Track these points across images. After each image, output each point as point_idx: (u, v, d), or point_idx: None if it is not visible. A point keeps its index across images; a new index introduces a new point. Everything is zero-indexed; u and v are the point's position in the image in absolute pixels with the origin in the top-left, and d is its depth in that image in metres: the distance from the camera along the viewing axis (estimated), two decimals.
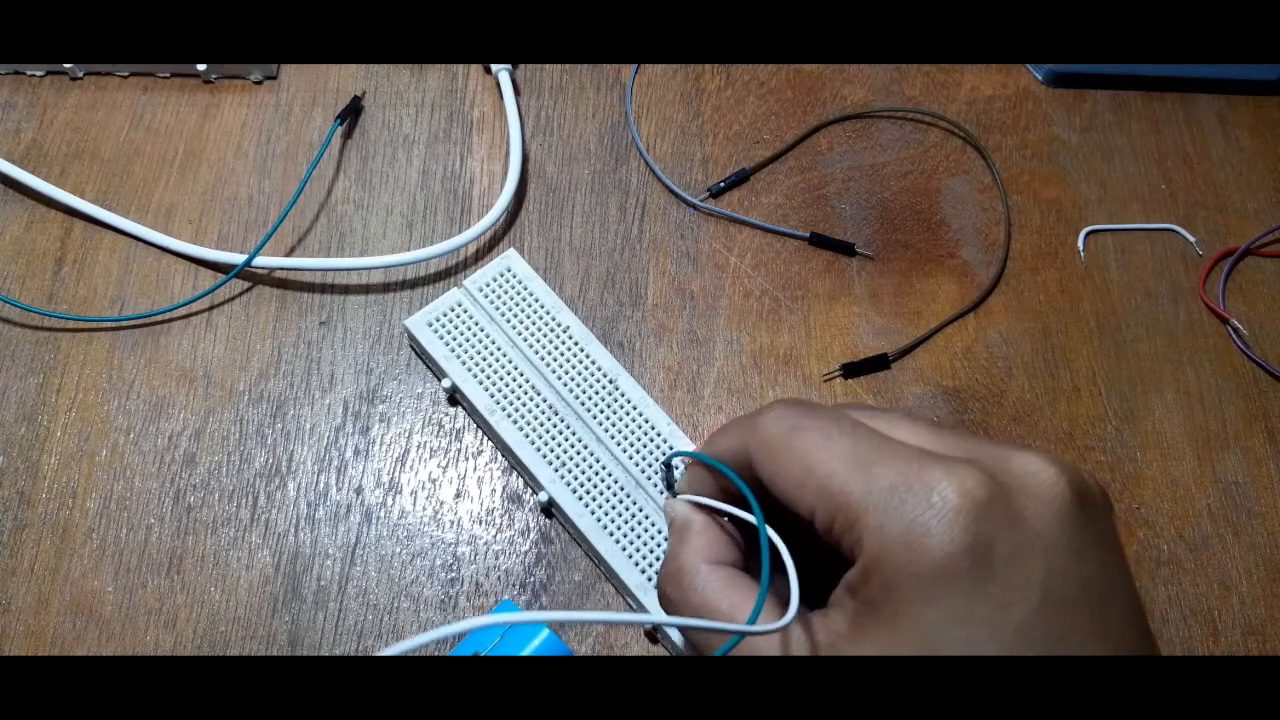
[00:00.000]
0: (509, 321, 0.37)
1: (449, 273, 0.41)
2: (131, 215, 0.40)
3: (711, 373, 0.39)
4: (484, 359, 0.37)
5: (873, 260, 0.42)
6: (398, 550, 0.36)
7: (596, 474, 0.35)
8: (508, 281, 0.38)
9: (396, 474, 0.37)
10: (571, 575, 0.35)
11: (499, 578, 0.35)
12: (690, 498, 0.29)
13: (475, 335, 0.37)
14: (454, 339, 0.37)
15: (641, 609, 0.34)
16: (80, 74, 0.43)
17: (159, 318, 0.39)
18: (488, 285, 0.38)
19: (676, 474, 0.35)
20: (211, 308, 0.39)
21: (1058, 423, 0.39)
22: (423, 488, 0.37)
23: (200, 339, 0.39)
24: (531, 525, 0.36)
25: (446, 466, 0.37)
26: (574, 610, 0.35)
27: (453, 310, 0.37)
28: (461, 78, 0.45)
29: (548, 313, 0.38)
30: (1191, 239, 0.43)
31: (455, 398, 0.37)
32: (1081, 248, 0.43)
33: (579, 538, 0.35)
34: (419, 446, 0.37)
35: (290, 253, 0.41)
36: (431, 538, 0.36)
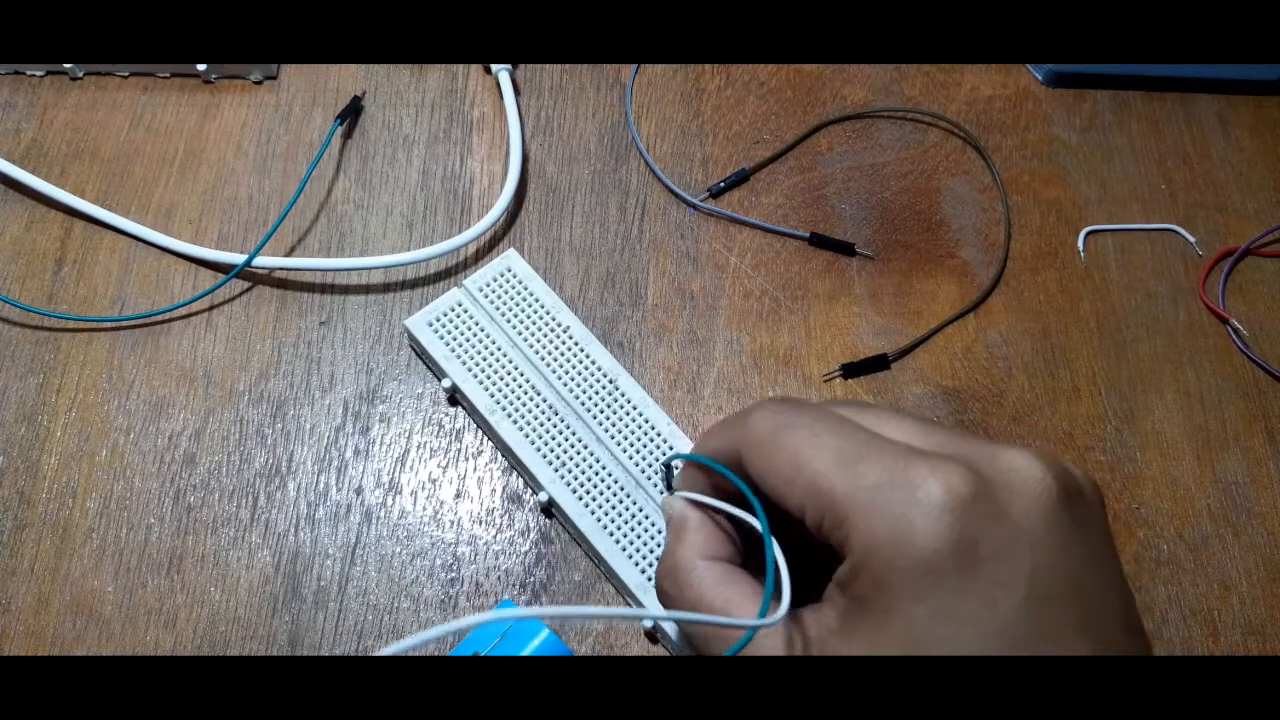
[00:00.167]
0: (509, 321, 0.37)
1: (449, 273, 0.41)
2: (131, 215, 0.40)
3: (711, 373, 0.39)
4: (484, 359, 0.37)
5: (873, 260, 0.42)
6: (398, 550, 0.36)
7: (596, 474, 0.35)
8: (508, 281, 0.38)
9: (396, 474, 0.37)
10: (571, 575, 0.35)
11: (499, 578, 0.35)
12: (687, 495, 0.29)
13: (475, 335, 0.37)
14: (454, 339, 0.37)
15: (640, 617, 0.34)
16: (80, 74, 0.43)
17: (159, 318, 0.39)
18: (488, 285, 0.38)
19: (676, 475, 0.35)
20: (211, 308, 0.39)
21: (1058, 423, 0.39)
22: (423, 488, 0.37)
23: (200, 339, 0.39)
24: (531, 525, 0.36)
25: (446, 466, 0.37)
26: (574, 605, 0.35)
27: (453, 310, 0.37)
28: (461, 78, 0.45)
29: (548, 313, 0.38)
30: (1191, 239, 0.43)
31: (455, 398, 0.37)
32: (1081, 248, 0.43)
33: (579, 538, 0.35)
34: (419, 446, 0.37)
35: (290, 253, 0.41)
36: (431, 538, 0.36)
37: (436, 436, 0.37)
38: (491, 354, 0.37)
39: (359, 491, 0.36)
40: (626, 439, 0.36)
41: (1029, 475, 0.23)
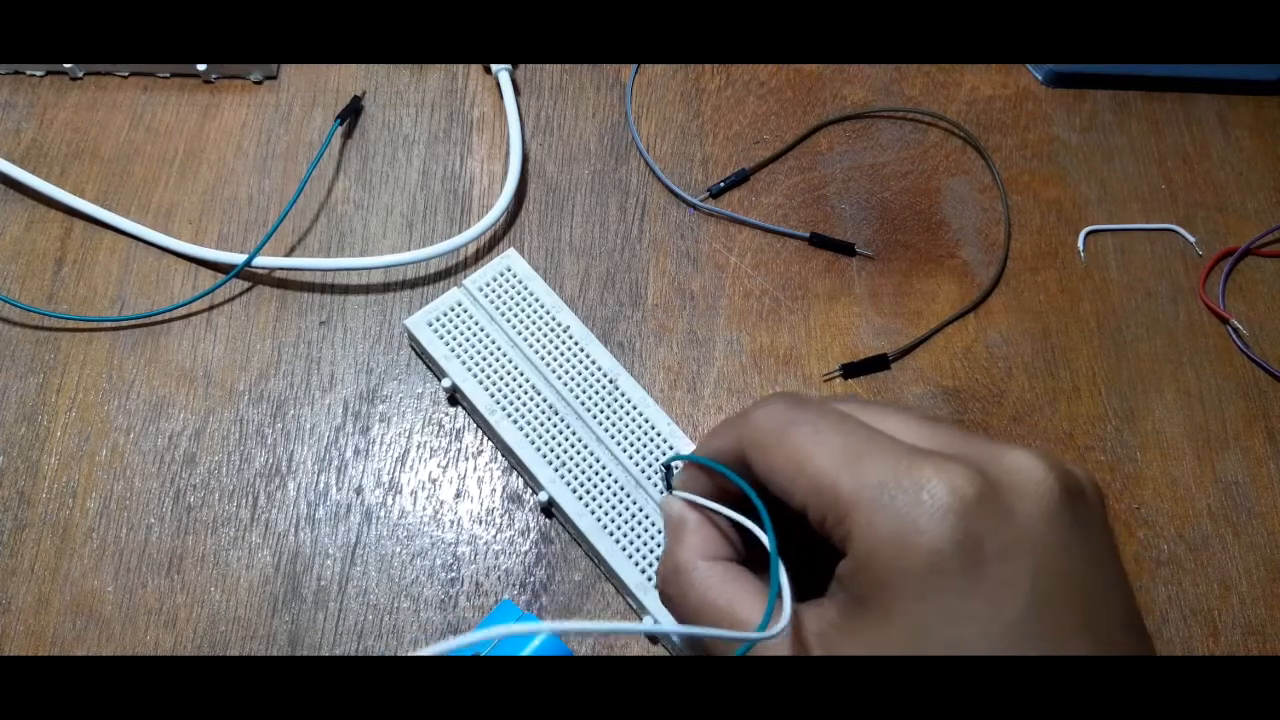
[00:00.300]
0: (509, 321, 0.37)
1: (449, 273, 0.41)
2: (131, 215, 0.40)
3: (711, 373, 0.39)
4: (484, 359, 0.37)
5: (873, 260, 0.42)
6: (398, 550, 0.36)
7: (596, 474, 0.35)
8: (508, 281, 0.38)
9: (396, 474, 0.37)
10: (571, 575, 0.35)
11: (499, 577, 0.35)
12: (685, 495, 0.29)
13: (475, 335, 0.37)
14: (454, 339, 0.37)
15: (641, 608, 0.34)
16: (80, 74, 0.43)
17: (159, 318, 0.39)
18: (488, 285, 0.38)
19: (675, 475, 0.35)
20: (211, 308, 0.39)
21: (1058, 423, 0.39)
22: (423, 488, 0.37)
23: (200, 339, 0.39)
24: (531, 525, 0.36)
25: (446, 466, 0.37)
26: (591, 620, 0.35)
27: (453, 310, 0.37)
28: (461, 78, 0.45)
29: (548, 312, 0.38)
30: (1191, 239, 0.43)
31: (455, 397, 0.37)
32: (1081, 248, 0.43)
33: (579, 537, 0.35)
34: (419, 446, 0.37)
35: (290, 253, 0.41)
36: (431, 538, 0.36)
37: (436, 436, 0.37)
38: (491, 354, 0.37)
39: (359, 491, 0.36)
40: (626, 439, 0.36)
41: (1032, 476, 0.23)
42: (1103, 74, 0.46)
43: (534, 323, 0.37)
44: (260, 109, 0.43)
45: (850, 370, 0.39)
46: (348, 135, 0.43)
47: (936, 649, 0.22)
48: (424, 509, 0.36)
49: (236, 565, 0.35)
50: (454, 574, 0.35)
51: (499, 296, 0.38)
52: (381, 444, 0.37)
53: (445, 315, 0.37)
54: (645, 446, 0.36)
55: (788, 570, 0.25)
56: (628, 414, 0.36)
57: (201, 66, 0.43)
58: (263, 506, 0.36)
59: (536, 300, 0.38)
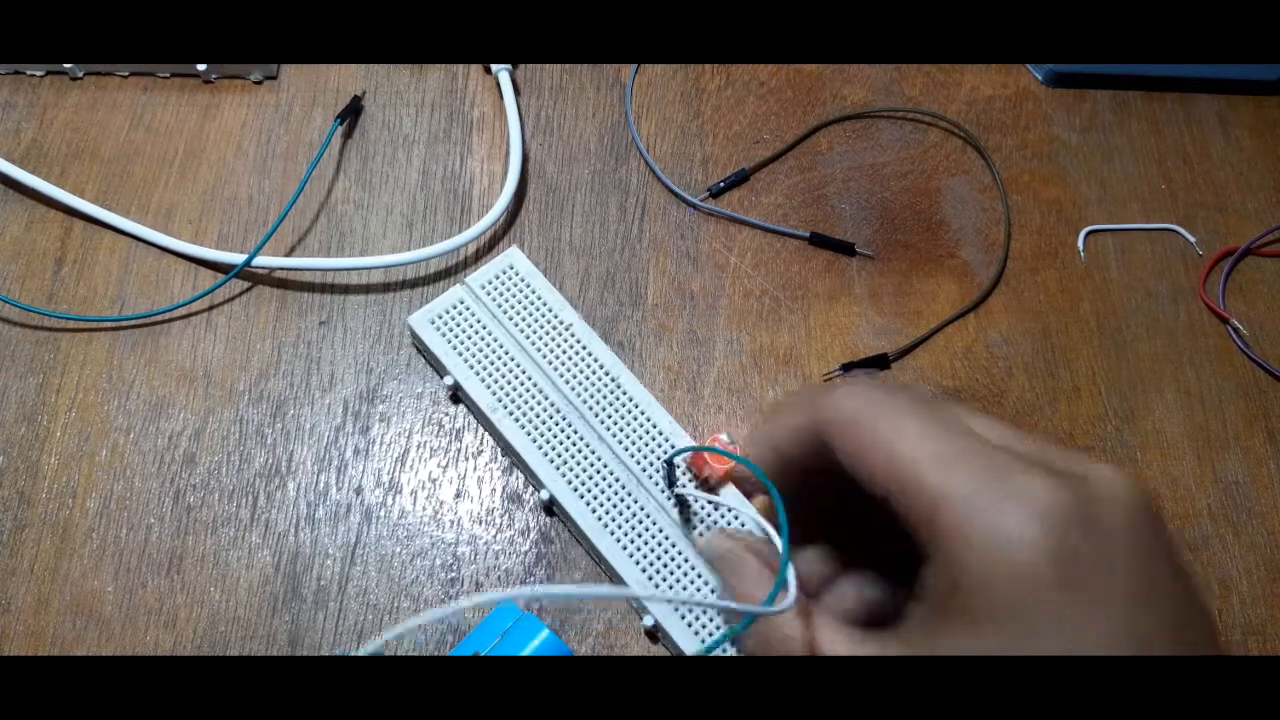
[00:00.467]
0: (511, 319, 0.37)
1: (449, 272, 0.41)
2: (131, 215, 0.40)
3: (711, 372, 0.39)
4: (486, 357, 0.37)
5: (873, 260, 0.42)
6: (398, 550, 0.36)
7: (598, 472, 0.35)
8: (510, 279, 0.38)
9: (396, 474, 0.37)
10: (571, 575, 0.35)
11: (499, 578, 0.35)
12: (723, 535, 0.29)
13: (478, 333, 0.37)
14: (456, 337, 0.37)
15: (642, 607, 0.34)
16: (80, 74, 0.43)
17: (159, 318, 0.39)
18: (490, 283, 0.38)
19: (678, 472, 0.35)
20: (211, 308, 0.39)
21: (1058, 422, 0.39)
22: (423, 487, 0.37)
23: (200, 339, 0.39)
24: (531, 525, 0.36)
25: (446, 466, 0.37)
26: (565, 585, 0.35)
27: (455, 308, 0.37)
28: (461, 78, 0.45)
29: (550, 310, 0.38)
30: (1191, 239, 0.43)
31: (457, 395, 0.37)
32: (1081, 248, 0.43)
33: (580, 536, 0.35)
34: (419, 446, 0.37)
35: (290, 253, 0.41)
36: (431, 538, 0.36)
37: (436, 436, 0.37)
38: (494, 352, 0.37)
39: (359, 491, 0.36)
40: (628, 437, 0.36)
41: (1119, 489, 0.23)
42: (1103, 74, 0.46)
43: (536, 321, 0.37)
44: (260, 109, 0.43)
45: (850, 370, 0.39)
46: (348, 135, 0.43)
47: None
48: (424, 509, 0.36)
49: (236, 565, 0.35)
50: (454, 574, 0.35)
51: (501, 294, 0.38)
52: (381, 444, 0.37)
53: (448, 313, 0.37)
54: (647, 445, 0.36)
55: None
56: (629, 412, 0.36)
57: (201, 66, 0.43)
58: (263, 506, 0.36)
59: (539, 298, 0.38)
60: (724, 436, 0.36)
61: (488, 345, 0.37)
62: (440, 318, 0.37)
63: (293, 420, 0.37)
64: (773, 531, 0.34)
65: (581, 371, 0.37)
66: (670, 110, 0.44)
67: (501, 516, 0.36)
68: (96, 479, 0.36)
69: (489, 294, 0.38)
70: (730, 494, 0.35)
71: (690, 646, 0.33)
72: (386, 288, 0.40)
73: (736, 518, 0.35)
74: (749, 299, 0.41)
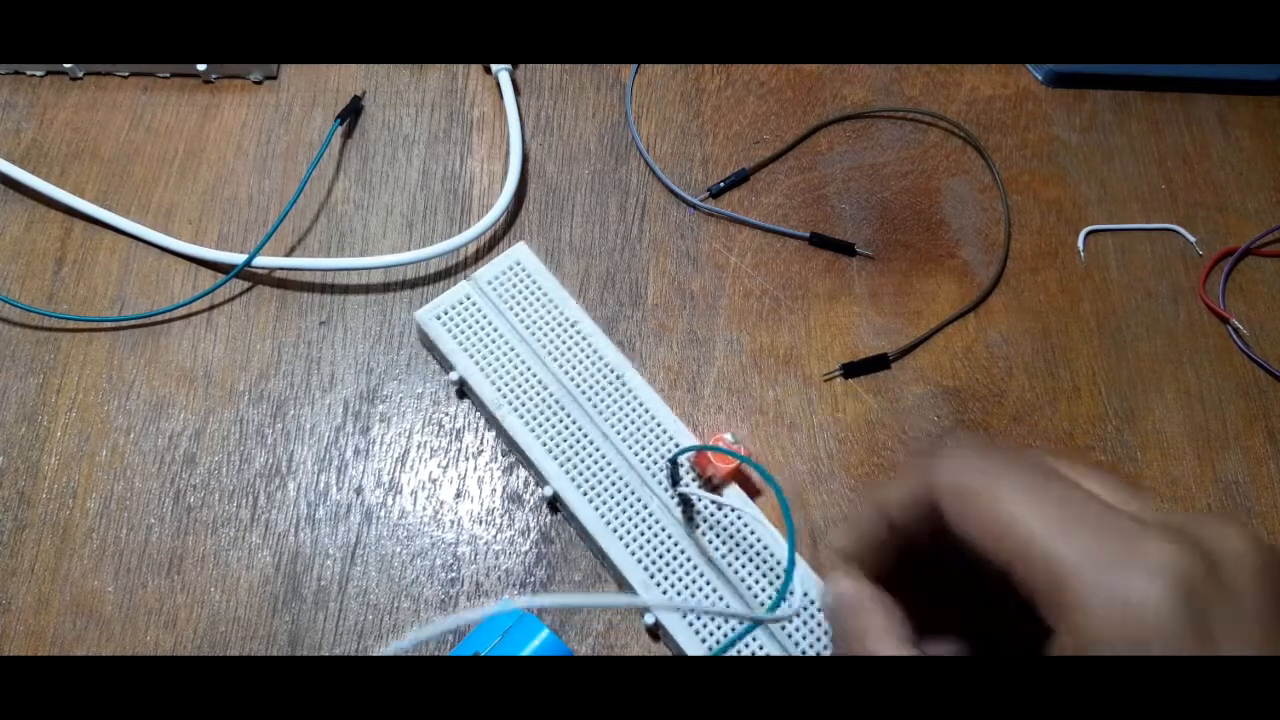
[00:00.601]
0: (517, 315, 0.37)
1: (449, 272, 0.41)
2: (131, 215, 0.40)
3: (711, 372, 0.39)
4: (492, 352, 0.37)
5: (873, 260, 0.42)
6: (398, 550, 0.36)
7: (602, 469, 0.35)
8: (516, 275, 0.38)
9: (396, 474, 0.37)
10: (572, 575, 0.35)
11: (499, 578, 0.35)
12: (845, 580, 0.29)
13: (483, 328, 0.37)
14: (462, 332, 0.37)
15: (643, 604, 0.34)
16: (80, 74, 0.43)
17: (159, 318, 0.39)
18: (496, 278, 0.38)
19: (681, 471, 0.35)
20: (211, 308, 0.39)
21: (1058, 422, 0.39)
22: (423, 488, 0.37)
23: (200, 339, 0.39)
24: (532, 525, 0.36)
25: (446, 466, 0.37)
26: (578, 593, 0.35)
27: (461, 303, 0.37)
28: (461, 78, 0.45)
29: (556, 306, 0.38)
30: (1191, 239, 0.43)
31: (463, 391, 0.37)
32: (1081, 248, 0.43)
33: (582, 533, 0.35)
34: (419, 446, 0.37)
35: (290, 253, 0.41)
36: (431, 538, 0.36)
37: (436, 436, 0.37)
38: (499, 347, 0.37)
39: (359, 491, 0.36)
40: (632, 434, 0.36)
41: (1244, 548, 0.23)
42: (1103, 74, 0.46)
43: (542, 317, 0.38)
44: (260, 109, 0.43)
45: (850, 370, 0.39)
46: (348, 135, 0.43)
47: None
48: (424, 509, 0.36)
49: (236, 565, 0.35)
50: (454, 574, 0.35)
51: (507, 290, 0.38)
52: (381, 444, 0.37)
53: (454, 308, 0.37)
54: (651, 443, 0.36)
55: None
56: (634, 410, 0.36)
57: (201, 66, 0.43)
58: (263, 507, 0.36)
59: (545, 295, 0.38)
60: (728, 436, 0.36)
61: (493, 341, 0.37)
62: (446, 313, 0.37)
63: (293, 420, 0.37)
64: (779, 537, 0.34)
65: (586, 368, 0.37)
66: (670, 110, 0.44)
67: (502, 516, 0.36)
68: (97, 479, 0.36)
69: (495, 290, 0.38)
70: (733, 494, 0.35)
71: (690, 644, 0.33)
72: (386, 288, 0.40)
73: (740, 518, 0.35)
74: (749, 299, 0.41)
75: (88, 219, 0.40)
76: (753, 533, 0.34)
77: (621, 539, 0.34)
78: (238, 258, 0.39)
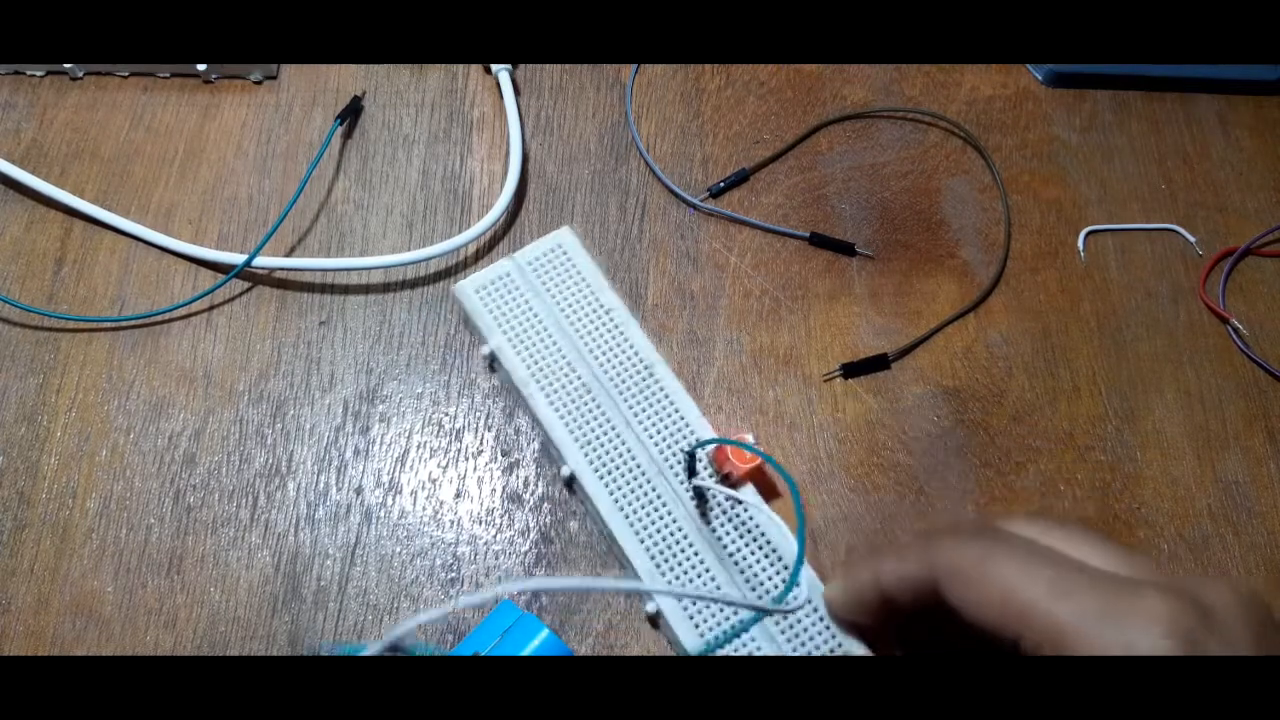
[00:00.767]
0: (554, 297, 0.38)
1: (449, 272, 0.41)
2: (131, 215, 0.40)
3: (711, 372, 0.39)
4: (525, 330, 0.37)
5: (873, 260, 0.42)
6: (398, 550, 0.36)
7: (620, 455, 0.35)
8: (557, 257, 0.39)
9: (396, 474, 0.37)
10: (572, 576, 0.35)
11: (499, 578, 0.35)
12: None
13: (520, 306, 0.38)
14: (499, 307, 0.38)
15: (647, 595, 0.34)
16: (80, 74, 0.43)
17: (159, 318, 0.39)
18: (538, 259, 0.39)
19: (699, 464, 0.35)
20: (211, 308, 0.39)
21: (1058, 422, 0.39)
22: (423, 488, 0.37)
23: (200, 339, 0.39)
24: (531, 525, 0.36)
25: (446, 466, 0.37)
26: (575, 577, 0.35)
27: (501, 279, 0.38)
28: (461, 78, 0.45)
29: (593, 293, 0.38)
30: (1191, 239, 0.43)
31: (493, 364, 0.38)
32: (1081, 248, 0.43)
33: (594, 515, 0.35)
34: (419, 446, 0.37)
35: (290, 253, 0.41)
36: (431, 538, 0.36)
37: (436, 436, 0.37)
38: (533, 326, 0.37)
39: (359, 491, 0.36)
40: (654, 425, 0.36)
41: (1238, 599, 0.24)
42: (1103, 74, 0.46)
43: (578, 301, 0.38)
44: (260, 109, 0.43)
45: (850, 370, 0.39)
46: (348, 135, 0.43)
47: None
48: (424, 509, 0.36)
49: (236, 565, 0.35)
50: (454, 574, 0.35)
51: (547, 272, 0.38)
52: (381, 444, 0.37)
53: (493, 284, 0.38)
54: (672, 435, 0.36)
55: None
56: (659, 401, 0.36)
57: (201, 66, 0.43)
58: (262, 507, 0.36)
59: (583, 279, 0.38)
60: (749, 436, 0.36)
61: (528, 319, 0.38)
62: (485, 288, 0.38)
63: (293, 420, 0.37)
64: (789, 533, 0.34)
65: (616, 355, 0.37)
66: (670, 110, 0.44)
67: (501, 517, 0.36)
68: (96, 479, 0.36)
69: (535, 270, 0.38)
70: (749, 492, 0.35)
71: (688, 634, 0.33)
72: (386, 288, 0.40)
73: (751, 516, 0.35)
74: (749, 299, 0.41)
75: (88, 219, 0.40)
76: (763, 532, 0.34)
77: (632, 525, 0.34)
78: (238, 258, 0.39)
